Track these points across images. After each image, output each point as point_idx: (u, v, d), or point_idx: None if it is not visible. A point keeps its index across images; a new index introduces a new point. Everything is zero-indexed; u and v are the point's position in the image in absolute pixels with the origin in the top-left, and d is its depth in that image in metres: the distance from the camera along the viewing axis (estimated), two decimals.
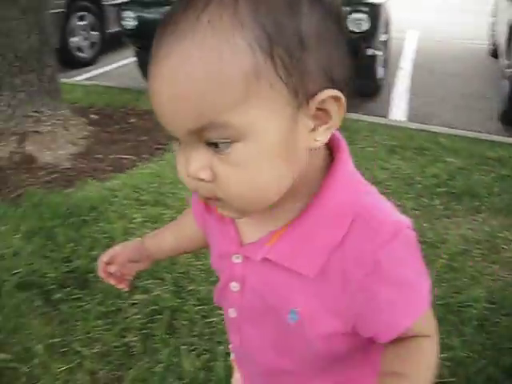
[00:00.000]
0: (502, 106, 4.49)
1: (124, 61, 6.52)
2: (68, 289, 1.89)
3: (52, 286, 1.89)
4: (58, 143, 3.13)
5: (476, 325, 1.70)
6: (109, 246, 2.02)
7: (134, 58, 5.30)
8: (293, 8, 0.53)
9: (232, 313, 0.75)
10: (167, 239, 0.94)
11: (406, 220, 0.61)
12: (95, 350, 1.60)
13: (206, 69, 0.49)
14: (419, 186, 2.75)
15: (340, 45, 0.57)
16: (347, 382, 0.73)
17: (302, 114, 0.54)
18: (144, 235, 0.96)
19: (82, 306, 1.81)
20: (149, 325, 1.70)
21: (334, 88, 0.55)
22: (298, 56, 0.52)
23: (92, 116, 3.76)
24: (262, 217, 0.63)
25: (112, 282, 0.92)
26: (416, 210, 2.51)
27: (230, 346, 0.86)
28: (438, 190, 2.70)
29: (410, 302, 0.62)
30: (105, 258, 0.90)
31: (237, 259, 0.69)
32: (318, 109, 0.55)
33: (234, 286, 0.71)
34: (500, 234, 2.27)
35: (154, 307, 1.77)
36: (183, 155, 0.56)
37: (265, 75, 0.51)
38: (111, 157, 3.11)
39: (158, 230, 0.96)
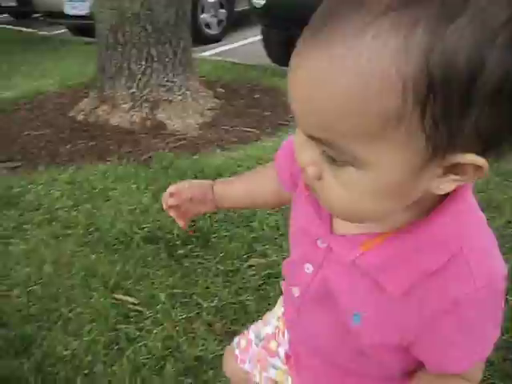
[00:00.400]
0: None
1: (251, 39, 6.69)
2: (190, 246, 2.05)
3: (176, 242, 2.06)
4: (187, 112, 3.34)
5: None
6: (229, 210, 2.18)
7: (261, 37, 5.43)
8: (479, 51, 0.41)
9: (295, 291, 0.74)
10: (237, 188, 0.93)
11: (502, 268, 0.58)
12: (213, 304, 1.74)
13: (351, 88, 0.44)
14: None
15: None
16: None
17: (433, 164, 0.48)
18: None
19: (202, 264, 1.97)
20: (264, 286, 1.81)
21: (482, 153, 0.47)
22: (457, 114, 0.44)
23: (219, 89, 3.94)
24: None
25: (172, 213, 0.92)
26: None
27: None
28: None
29: (471, 351, 0.61)
30: (171, 189, 0.91)
31: (321, 244, 0.66)
32: (455, 165, 0.48)
33: (308, 267, 0.70)
34: None
35: (270, 271, 1.87)
36: (300, 139, 0.54)
37: (407, 122, 0.44)
38: (236, 129, 3.27)
39: (233, 177, 0.98)
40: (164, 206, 0.92)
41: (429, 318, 0.58)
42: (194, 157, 2.82)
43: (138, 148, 2.95)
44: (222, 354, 1.21)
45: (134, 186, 2.47)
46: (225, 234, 2.11)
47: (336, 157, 0.49)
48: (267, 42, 5.32)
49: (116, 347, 1.59)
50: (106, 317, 1.68)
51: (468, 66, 0.41)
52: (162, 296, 1.78)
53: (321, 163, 0.52)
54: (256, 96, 3.99)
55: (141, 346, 1.58)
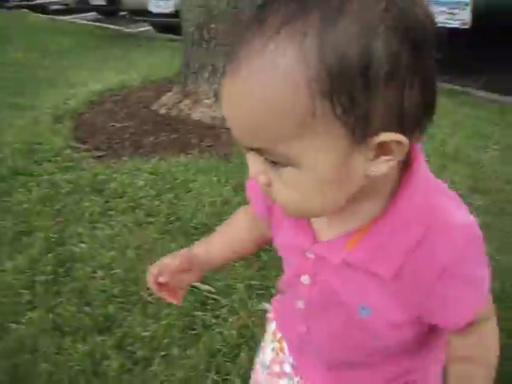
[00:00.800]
0: None
1: None
2: None
3: None
4: None
5: None
6: None
7: None
8: (363, 43, 0.48)
9: (300, 304, 0.76)
10: (216, 243, 0.92)
11: (474, 220, 0.62)
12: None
13: (263, 101, 0.49)
14: None
15: (417, 81, 0.51)
16: (412, 369, 0.76)
17: (360, 149, 0.52)
18: (194, 246, 0.93)
19: (279, 258, 1.99)
20: None
21: (399, 129, 0.52)
22: (361, 98, 0.49)
23: None
24: (335, 217, 0.64)
25: (164, 295, 0.87)
26: None
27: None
28: None
29: (475, 296, 0.65)
30: (154, 269, 0.86)
31: (310, 255, 0.69)
32: (380, 145, 0.52)
33: (305, 279, 0.72)
34: None
35: None
36: (247, 154, 0.59)
37: (321, 115, 0.49)
38: None
39: (207, 238, 0.93)
40: (154, 288, 0.86)
41: (425, 288, 0.62)
42: None
43: (218, 142, 3.02)
44: None
45: (215, 178, 2.53)
46: None
47: (275, 160, 0.54)
48: None
49: (192, 332, 1.64)
50: (184, 303, 1.73)
51: (358, 57, 0.47)
52: (240, 286, 1.81)
53: (267, 170, 0.57)
54: None
55: (216, 332, 1.62)
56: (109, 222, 2.21)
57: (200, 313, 1.72)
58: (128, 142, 3.12)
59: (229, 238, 0.92)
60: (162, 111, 3.49)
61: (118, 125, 3.39)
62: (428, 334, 0.72)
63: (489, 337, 0.71)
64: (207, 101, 3.34)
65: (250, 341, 1.58)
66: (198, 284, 1.83)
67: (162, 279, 0.85)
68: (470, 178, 2.60)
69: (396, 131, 0.52)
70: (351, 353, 0.75)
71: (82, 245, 2.05)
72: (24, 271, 1.90)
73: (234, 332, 1.61)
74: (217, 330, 1.64)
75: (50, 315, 1.67)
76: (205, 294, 1.80)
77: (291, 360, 0.90)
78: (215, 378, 1.48)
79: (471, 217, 0.63)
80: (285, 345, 0.90)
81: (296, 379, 0.89)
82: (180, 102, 3.46)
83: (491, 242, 2.07)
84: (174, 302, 0.89)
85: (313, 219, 0.68)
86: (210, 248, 0.91)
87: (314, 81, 0.48)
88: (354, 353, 0.75)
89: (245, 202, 0.93)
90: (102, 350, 1.55)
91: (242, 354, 1.53)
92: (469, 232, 0.62)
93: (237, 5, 3.18)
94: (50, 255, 1.98)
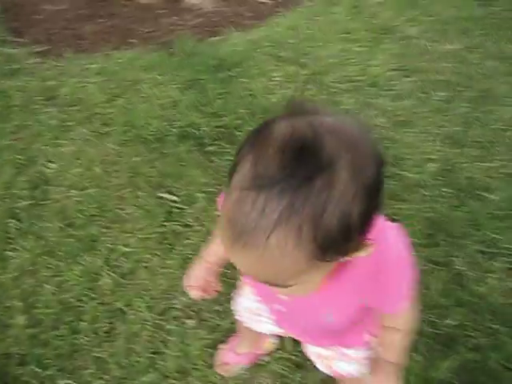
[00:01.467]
0: None
1: None
2: (218, 142, 2.32)
3: (206, 140, 2.32)
4: None
5: None
6: (252, 104, 2.39)
7: None
8: (344, 220, 0.63)
9: (280, 308, 1.01)
10: (220, 253, 1.14)
11: (407, 247, 0.88)
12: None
13: (276, 268, 0.66)
14: None
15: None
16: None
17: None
18: (200, 256, 1.19)
19: (229, 159, 2.25)
20: None
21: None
22: (343, 250, 0.68)
23: None
24: None
25: (201, 296, 1.17)
26: None
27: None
28: None
29: (406, 290, 0.92)
30: (187, 282, 1.18)
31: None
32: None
33: (278, 307, 1.01)
34: None
35: None
36: None
37: (316, 265, 0.66)
38: (250, 0, 3.31)
39: (208, 250, 1.17)
40: (192, 295, 1.17)
41: (372, 293, 0.88)
42: (213, 39, 2.95)
43: (158, 28, 3.05)
44: None
45: (162, 77, 2.66)
46: (246, 129, 2.36)
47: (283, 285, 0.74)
48: None
49: (166, 242, 1.95)
50: (155, 215, 2.02)
51: (340, 228, 0.63)
52: (200, 195, 2.09)
53: None
54: None
55: (186, 242, 1.94)
56: (69, 136, 2.37)
57: (169, 223, 2.01)
58: (66, 31, 3.10)
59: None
60: None
61: (50, 8, 3.31)
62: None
63: (409, 315, 0.99)
64: None
65: None
66: (164, 194, 2.11)
67: (195, 294, 1.17)
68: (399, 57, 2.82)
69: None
70: (318, 331, 1.07)
71: (51, 164, 2.24)
72: (2, 198, 2.10)
73: (202, 241, 1.93)
74: (186, 238, 1.95)
75: (41, 241, 1.94)
76: (170, 204, 2.08)
77: (265, 314, 1.21)
78: None
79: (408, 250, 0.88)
80: (261, 305, 1.20)
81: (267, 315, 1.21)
82: None
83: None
84: (209, 297, 1.19)
85: None
86: (217, 257, 1.16)
87: (311, 254, 0.63)
88: (321, 332, 1.07)
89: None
90: (94, 269, 1.85)
91: None
92: (403, 253, 0.88)
93: None
94: (22, 179, 2.17)
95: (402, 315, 0.98)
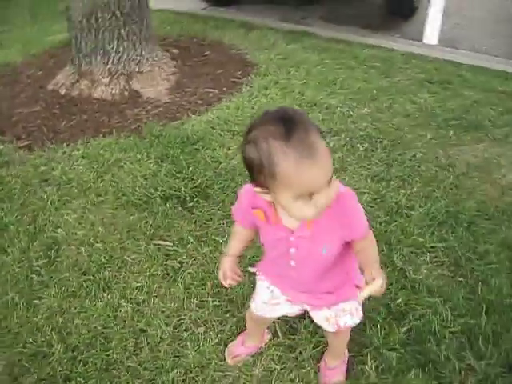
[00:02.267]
0: None
1: None
2: (196, 199, 2.84)
3: (186, 198, 2.84)
4: (156, 80, 4.00)
5: (465, 226, 2.61)
6: (218, 168, 2.96)
7: None
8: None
9: (292, 263, 1.48)
10: (240, 246, 1.69)
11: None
12: (225, 238, 2.57)
13: (329, 165, 1.21)
14: (440, 118, 3.57)
15: None
16: (350, 277, 1.62)
17: None
18: (226, 253, 1.72)
19: (207, 211, 2.77)
20: None
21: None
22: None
23: (173, 51, 4.56)
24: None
25: (230, 284, 1.69)
26: (434, 139, 3.35)
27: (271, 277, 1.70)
28: (454, 122, 3.51)
29: (364, 222, 1.44)
30: (220, 273, 1.69)
31: (292, 238, 1.41)
32: None
33: (292, 250, 1.44)
34: (495, 160, 3.13)
35: None
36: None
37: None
38: (198, 90, 3.97)
39: (230, 245, 1.71)
40: (226, 283, 1.70)
41: (343, 226, 1.40)
42: (175, 123, 3.54)
43: (125, 119, 3.61)
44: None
45: (139, 155, 3.19)
46: (218, 187, 2.91)
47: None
48: None
49: (169, 276, 2.40)
50: (155, 258, 2.48)
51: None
52: (190, 238, 2.57)
53: None
54: (206, 53, 4.65)
55: (185, 273, 2.39)
56: (69, 207, 2.82)
57: (168, 262, 2.47)
58: (44, 128, 3.59)
59: (241, 242, 1.69)
60: (62, 92, 3.96)
61: (25, 110, 3.82)
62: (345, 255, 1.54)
63: (370, 237, 1.51)
64: (104, 80, 3.88)
65: (211, 276, 2.37)
66: (159, 242, 2.58)
67: (229, 282, 1.69)
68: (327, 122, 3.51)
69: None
70: (319, 274, 1.52)
71: (59, 229, 2.67)
72: (21, 261, 2.50)
73: (198, 271, 2.40)
74: (184, 270, 2.41)
75: (63, 288, 2.35)
76: (166, 248, 2.55)
77: (281, 296, 1.72)
78: (196, 302, 2.27)
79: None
80: (275, 291, 1.71)
81: (283, 297, 1.72)
82: (77, 81, 3.94)
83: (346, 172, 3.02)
84: (235, 283, 1.71)
85: (285, 221, 1.41)
86: (237, 249, 1.70)
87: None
88: (320, 274, 1.52)
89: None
90: (113, 302, 2.26)
91: (207, 283, 2.33)
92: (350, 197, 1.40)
93: None
94: (36, 243, 2.59)
95: (366, 237, 1.49)
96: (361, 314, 1.74)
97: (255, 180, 1.28)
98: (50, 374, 1.99)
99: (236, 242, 1.70)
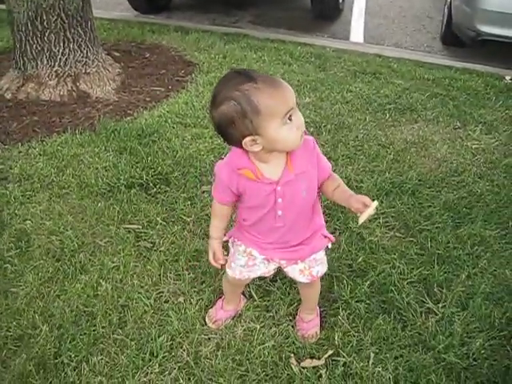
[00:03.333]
0: (442, 28, 5.56)
1: None
2: (159, 185, 2.96)
3: (149, 185, 2.96)
4: (102, 81, 4.07)
5: (410, 193, 2.89)
6: (175, 156, 3.11)
7: None
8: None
9: (279, 213, 1.64)
10: (221, 226, 1.80)
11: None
12: (191, 218, 2.71)
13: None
14: (375, 103, 3.88)
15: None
16: (321, 226, 1.84)
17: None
18: (212, 236, 1.83)
19: (171, 195, 2.89)
20: None
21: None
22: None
23: (115, 54, 4.65)
24: (277, 164, 1.57)
25: (218, 264, 1.84)
26: (373, 121, 3.65)
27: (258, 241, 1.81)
28: (389, 106, 3.84)
29: (327, 160, 1.70)
30: (211, 254, 1.83)
31: (278, 187, 1.57)
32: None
33: (279, 200, 1.60)
34: (429, 138, 3.46)
35: None
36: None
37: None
38: (146, 89, 4.09)
39: (213, 228, 1.82)
40: (215, 264, 1.85)
41: (313, 165, 1.63)
42: (127, 118, 3.64)
43: (76, 117, 3.67)
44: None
45: (97, 149, 3.27)
46: (178, 173, 3.05)
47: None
48: None
49: (143, 255, 2.50)
50: (127, 240, 2.58)
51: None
52: (159, 219, 2.70)
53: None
54: (147, 55, 4.77)
55: (159, 251, 2.51)
56: (34, 201, 2.86)
57: (140, 242, 2.58)
58: None
59: (222, 221, 1.81)
60: (8, 96, 3.96)
61: None
62: (315, 207, 1.76)
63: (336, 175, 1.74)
64: (51, 82, 3.92)
65: (183, 251, 2.50)
66: (129, 226, 2.68)
67: (219, 262, 1.84)
68: None
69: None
70: (300, 220, 1.71)
71: (27, 222, 2.71)
72: None
73: (169, 248, 2.52)
74: (156, 250, 2.53)
75: (40, 274, 2.40)
76: (136, 231, 2.66)
77: (259, 256, 1.87)
78: (172, 276, 2.40)
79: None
80: (253, 252, 1.85)
81: (261, 257, 1.87)
82: (23, 85, 3.96)
83: None
84: (223, 262, 1.86)
85: (268, 175, 1.59)
86: (220, 230, 1.82)
87: None
88: (302, 220, 1.72)
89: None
90: (92, 283, 2.35)
91: (181, 258, 2.46)
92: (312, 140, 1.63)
93: None
94: (5, 236, 2.61)
95: (334, 176, 1.73)
96: (326, 262, 1.96)
97: (241, 133, 1.45)
98: (39, 352, 2.05)
99: (218, 222, 1.82)
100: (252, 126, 1.42)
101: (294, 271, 1.92)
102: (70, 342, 2.08)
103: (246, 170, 1.58)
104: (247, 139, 1.46)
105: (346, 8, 6.41)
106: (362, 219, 1.58)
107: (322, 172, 1.68)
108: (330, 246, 1.91)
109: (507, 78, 4.46)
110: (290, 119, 1.44)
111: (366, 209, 1.58)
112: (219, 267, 1.87)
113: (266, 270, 1.94)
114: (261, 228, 1.77)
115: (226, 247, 1.92)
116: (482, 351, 1.99)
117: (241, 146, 1.51)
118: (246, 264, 1.91)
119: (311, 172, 1.63)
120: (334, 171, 2.89)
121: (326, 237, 1.87)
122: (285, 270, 1.94)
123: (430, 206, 2.80)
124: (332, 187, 1.71)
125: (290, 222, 1.71)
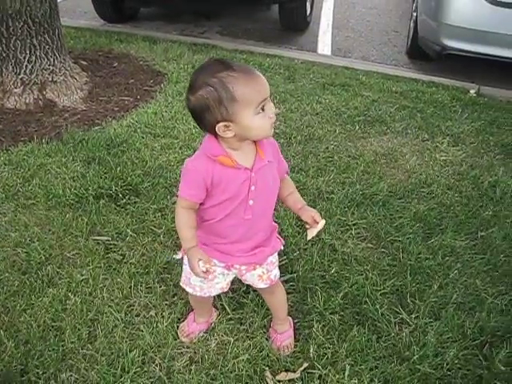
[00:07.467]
0: (408, 43, 5.67)
1: None
2: (128, 196, 2.91)
3: (118, 196, 2.90)
4: (70, 90, 4.00)
5: (381, 205, 2.91)
6: (145, 166, 3.07)
7: None
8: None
9: (251, 202, 1.62)
10: (193, 233, 1.67)
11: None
12: (161, 230, 2.66)
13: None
14: (345, 115, 3.92)
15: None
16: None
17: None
18: (188, 245, 1.65)
19: (141, 206, 2.85)
20: None
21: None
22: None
23: (82, 62, 4.57)
24: (248, 152, 1.58)
25: (205, 273, 1.64)
26: (343, 133, 3.68)
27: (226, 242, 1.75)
28: (358, 118, 3.88)
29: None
30: (195, 265, 1.62)
31: (253, 174, 1.58)
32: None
33: (252, 187, 1.59)
34: (398, 149, 3.50)
35: None
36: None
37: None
38: (113, 99, 4.03)
39: (186, 237, 1.67)
40: (203, 274, 1.64)
41: (276, 159, 1.69)
42: (95, 128, 3.58)
43: (43, 127, 3.59)
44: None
45: (64, 159, 3.20)
46: (148, 184, 3.00)
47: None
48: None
49: (113, 268, 2.45)
50: (96, 251, 2.52)
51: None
52: (129, 231, 2.65)
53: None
54: (114, 65, 4.71)
55: (129, 264, 2.46)
56: (0, 211, 2.78)
57: (111, 251, 2.52)
58: None
59: (192, 226, 1.68)
60: None
61: None
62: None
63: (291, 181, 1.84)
64: (16, 90, 3.82)
65: (154, 263, 2.46)
66: (98, 237, 2.62)
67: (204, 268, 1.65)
68: None
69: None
70: (267, 213, 1.74)
71: None
72: None
73: (139, 260, 2.48)
74: (126, 262, 2.48)
75: (5, 288, 2.32)
76: (105, 242, 2.60)
77: (219, 264, 1.82)
78: (143, 289, 2.35)
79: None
80: (213, 262, 1.77)
81: (221, 265, 1.83)
82: None
83: None
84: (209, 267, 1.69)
85: (241, 162, 1.58)
86: (193, 235, 1.68)
87: None
88: (268, 213, 1.74)
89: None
90: (60, 296, 2.28)
91: (152, 270, 2.42)
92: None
93: (29, 3, 3.67)
94: None
95: (289, 178, 1.83)
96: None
97: (216, 119, 1.48)
98: (4, 370, 1.97)
99: (189, 230, 1.69)
100: (226, 113, 1.46)
101: (252, 277, 1.89)
102: (37, 359, 2.01)
103: (222, 157, 1.56)
104: (220, 124, 1.49)
105: (313, 21, 6.47)
106: (310, 235, 1.68)
107: (282, 169, 1.75)
108: (282, 247, 1.91)
109: (472, 91, 4.57)
110: (262, 109, 1.48)
111: (316, 225, 1.67)
112: (207, 276, 1.68)
113: (225, 282, 1.91)
114: (227, 223, 1.70)
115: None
116: (456, 361, 2.01)
117: (214, 132, 1.53)
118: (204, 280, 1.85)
119: (275, 164, 1.69)
120: (305, 183, 2.93)
121: (279, 239, 1.89)
122: (243, 277, 1.91)
123: (401, 216, 2.82)
124: (287, 191, 1.79)
125: (258, 213, 1.69)
